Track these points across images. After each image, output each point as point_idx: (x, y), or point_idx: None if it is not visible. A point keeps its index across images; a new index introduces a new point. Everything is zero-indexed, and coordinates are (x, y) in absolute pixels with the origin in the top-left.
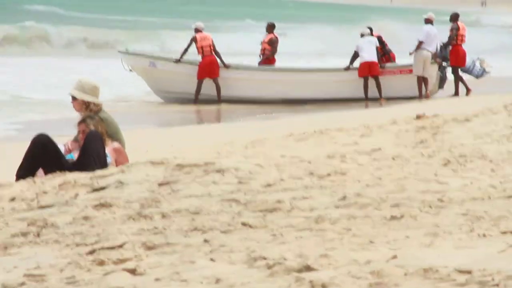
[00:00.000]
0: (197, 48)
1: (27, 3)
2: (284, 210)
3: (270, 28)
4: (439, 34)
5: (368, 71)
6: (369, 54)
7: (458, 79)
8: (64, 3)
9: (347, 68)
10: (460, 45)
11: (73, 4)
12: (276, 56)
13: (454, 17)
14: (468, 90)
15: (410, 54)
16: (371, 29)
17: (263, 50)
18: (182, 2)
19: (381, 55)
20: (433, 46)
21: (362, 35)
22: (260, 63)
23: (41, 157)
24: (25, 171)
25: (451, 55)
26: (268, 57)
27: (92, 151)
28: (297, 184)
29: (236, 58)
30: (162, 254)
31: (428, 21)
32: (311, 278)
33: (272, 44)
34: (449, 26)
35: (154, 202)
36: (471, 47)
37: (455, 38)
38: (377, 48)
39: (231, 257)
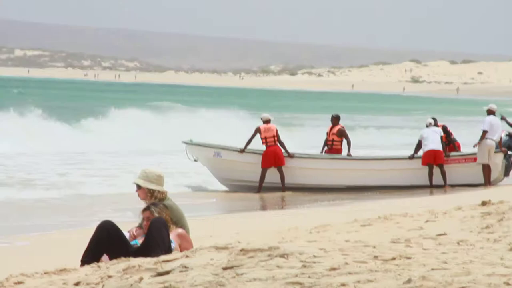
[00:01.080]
0: (261, 138)
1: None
2: None
3: (336, 120)
4: (501, 125)
5: (433, 160)
6: (434, 143)
7: None
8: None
9: (412, 157)
10: None
11: None
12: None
13: None
14: None
15: (474, 146)
16: (435, 120)
17: (331, 141)
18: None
19: (446, 144)
20: (497, 135)
21: (427, 125)
22: (326, 152)
23: (106, 242)
24: (90, 256)
25: None
26: (348, 149)
27: (157, 237)
28: (362, 267)
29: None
30: None
31: (490, 112)
32: None
33: (343, 134)
34: None
35: (219, 285)
36: None
37: None
38: (441, 137)
39: None
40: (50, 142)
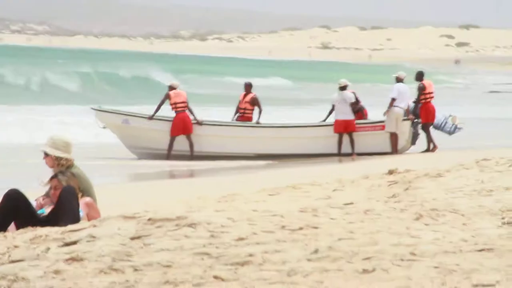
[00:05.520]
0: (171, 104)
1: None
2: (256, 263)
3: (249, 87)
4: (410, 92)
5: (344, 128)
6: (345, 112)
7: (429, 135)
8: None
9: (324, 122)
10: (429, 102)
11: None
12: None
13: (419, 76)
14: (434, 147)
15: (384, 115)
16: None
17: (243, 109)
18: None
19: (355, 112)
20: (405, 103)
21: (342, 88)
22: (237, 119)
23: (13, 211)
24: None
25: (421, 112)
26: (251, 116)
27: (67, 206)
28: (269, 237)
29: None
30: None
31: (399, 79)
32: None
33: (255, 102)
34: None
35: (126, 255)
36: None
37: (424, 96)
38: (351, 104)
39: None
40: None
